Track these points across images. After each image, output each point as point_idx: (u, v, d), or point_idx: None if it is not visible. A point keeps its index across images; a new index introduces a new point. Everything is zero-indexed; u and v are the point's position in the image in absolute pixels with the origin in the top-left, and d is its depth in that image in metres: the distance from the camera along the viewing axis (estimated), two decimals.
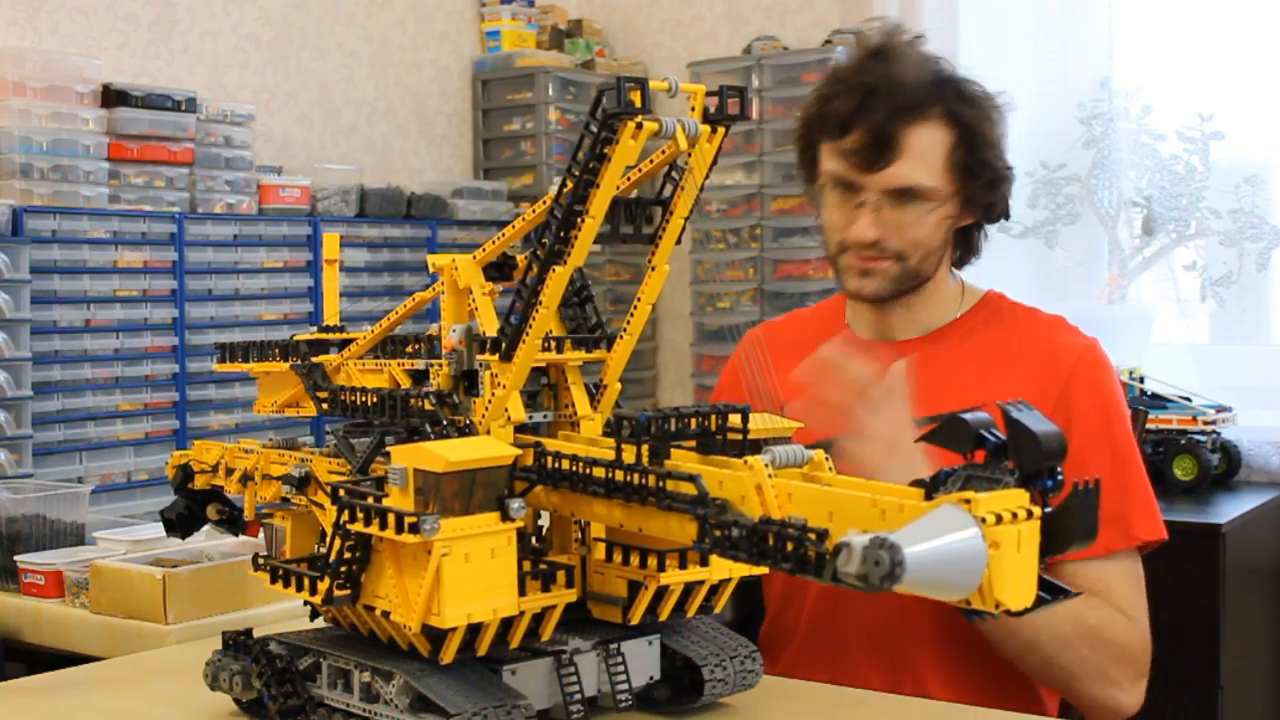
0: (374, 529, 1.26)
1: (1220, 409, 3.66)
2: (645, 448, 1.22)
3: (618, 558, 1.40)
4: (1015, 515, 0.97)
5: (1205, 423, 3.61)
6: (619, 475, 1.22)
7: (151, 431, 3.78)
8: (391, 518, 1.24)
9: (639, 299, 1.39)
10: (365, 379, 1.52)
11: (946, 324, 1.93)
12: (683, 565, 1.37)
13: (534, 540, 1.44)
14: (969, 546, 0.95)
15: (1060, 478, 1.01)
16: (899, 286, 1.87)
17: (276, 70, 4.53)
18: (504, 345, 1.34)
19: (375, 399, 1.42)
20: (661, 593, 1.38)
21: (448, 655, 1.28)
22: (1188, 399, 3.68)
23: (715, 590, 1.44)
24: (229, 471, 1.62)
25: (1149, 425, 3.57)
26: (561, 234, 1.29)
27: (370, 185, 4.39)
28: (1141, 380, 3.70)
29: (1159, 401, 3.66)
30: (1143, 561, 1.83)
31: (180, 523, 1.72)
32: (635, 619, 1.39)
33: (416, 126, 4.98)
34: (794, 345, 1.99)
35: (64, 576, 2.27)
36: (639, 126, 1.24)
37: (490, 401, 1.36)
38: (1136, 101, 4.10)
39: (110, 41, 4.06)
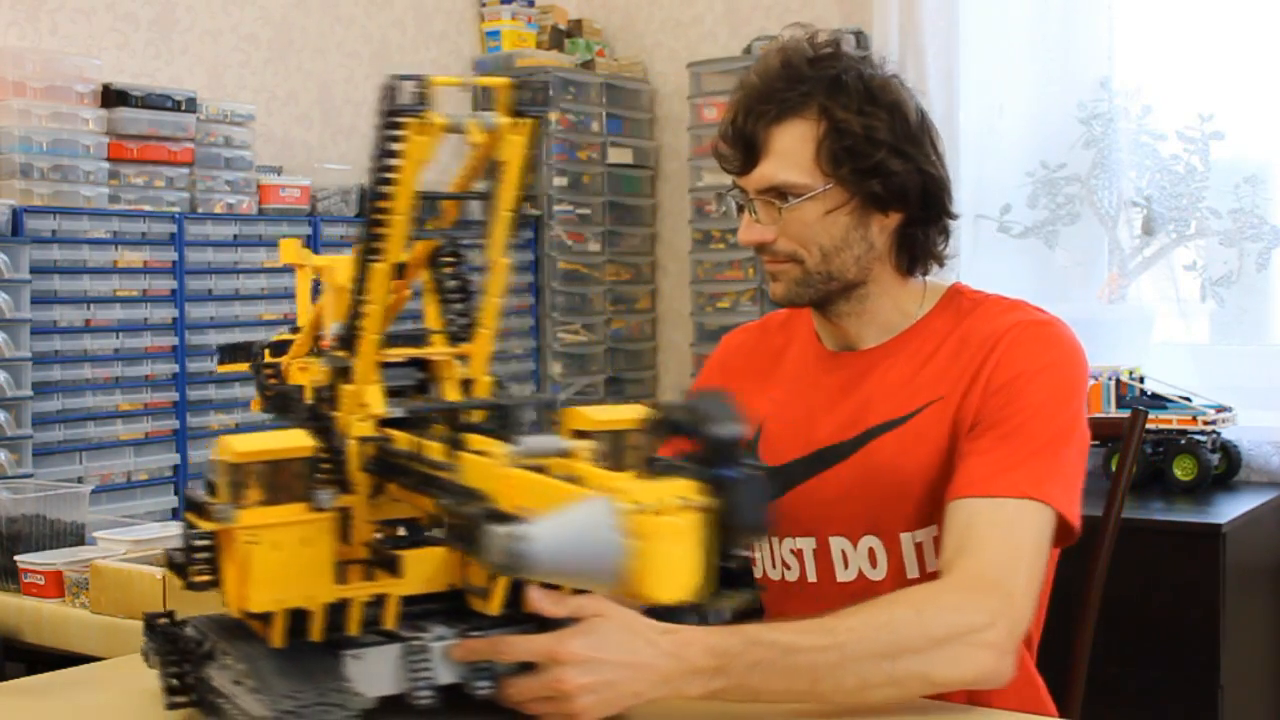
0: (194, 518, 1.33)
1: (1220, 409, 3.66)
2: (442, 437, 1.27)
3: None
4: (676, 506, 0.97)
5: (1205, 423, 3.61)
6: (416, 466, 1.27)
7: (151, 431, 3.78)
8: (208, 509, 1.30)
9: (486, 294, 1.41)
10: (300, 378, 1.55)
11: (909, 328, 1.83)
12: None
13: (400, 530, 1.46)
14: (601, 536, 0.96)
15: (749, 467, 1.01)
16: (813, 291, 1.80)
17: (276, 70, 4.53)
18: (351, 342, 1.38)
19: (290, 398, 1.48)
20: (519, 584, 1.37)
21: (276, 639, 1.33)
22: (1188, 399, 3.68)
23: None
24: None
25: (1149, 425, 3.57)
26: (373, 231, 1.33)
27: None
28: (1141, 380, 3.70)
29: (1159, 401, 3.66)
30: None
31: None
32: (495, 609, 1.37)
33: None
34: (769, 352, 1.99)
35: (64, 576, 2.27)
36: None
37: (348, 396, 1.38)
38: (1136, 101, 4.09)
39: (110, 41, 4.06)
